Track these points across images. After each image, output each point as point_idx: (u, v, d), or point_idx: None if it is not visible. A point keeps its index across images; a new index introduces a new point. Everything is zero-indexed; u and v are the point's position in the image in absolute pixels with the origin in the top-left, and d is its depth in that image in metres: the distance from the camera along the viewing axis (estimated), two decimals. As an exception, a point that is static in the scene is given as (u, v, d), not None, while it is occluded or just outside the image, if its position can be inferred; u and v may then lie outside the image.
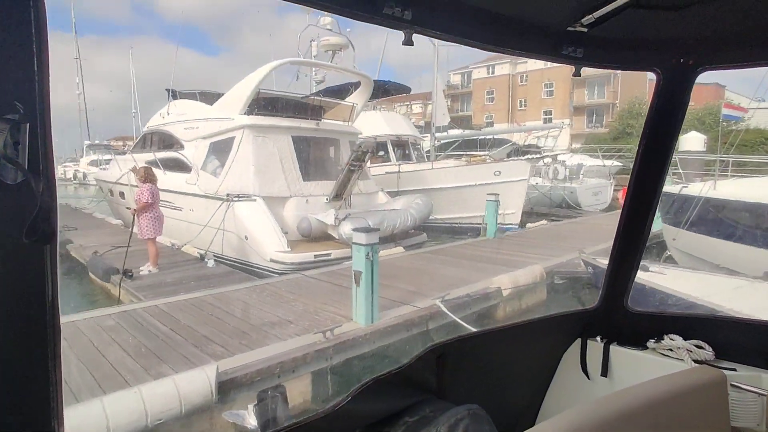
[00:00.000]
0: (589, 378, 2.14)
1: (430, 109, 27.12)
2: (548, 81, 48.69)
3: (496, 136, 26.24)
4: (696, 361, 1.88)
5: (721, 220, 8.75)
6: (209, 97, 13.43)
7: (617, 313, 2.18)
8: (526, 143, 24.25)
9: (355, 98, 13.86)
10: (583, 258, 8.28)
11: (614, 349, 2.11)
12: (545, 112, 47.91)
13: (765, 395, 1.73)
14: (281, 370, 5.22)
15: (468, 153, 22.72)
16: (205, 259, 9.43)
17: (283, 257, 9.56)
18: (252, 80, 11.17)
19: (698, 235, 9.19)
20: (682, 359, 1.90)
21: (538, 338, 2.19)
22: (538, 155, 16.87)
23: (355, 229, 6.68)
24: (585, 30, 1.49)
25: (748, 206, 8.51)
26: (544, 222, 15.82)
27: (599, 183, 20.21)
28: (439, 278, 8.71)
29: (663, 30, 1.64)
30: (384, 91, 19.76)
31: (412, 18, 1.28)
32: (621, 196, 17.71)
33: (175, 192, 11.79)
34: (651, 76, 1.93)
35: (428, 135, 23.83)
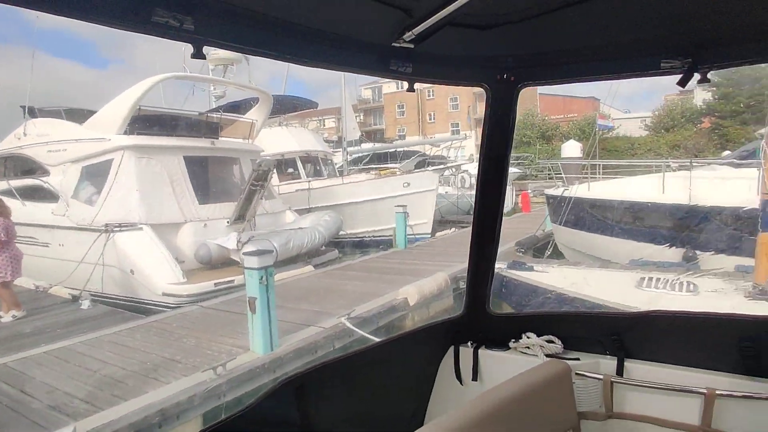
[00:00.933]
0: (462, 384, 2.19)
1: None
2: (453, 95, 51.25)
3: (405, 149, 26.87)
4: (548, 356, 2.03)
5: (593, 216, 9.68)
6: (78, 116, 11.88)
7: (481, 319, 2.25)
8: (434, 154, 25.11)
9: (254, 114, 13.35)
10: None
11: (482, 352, 2.18)
12: (453, 125, 50.23)
13: (602, 379, 1.91)
14: (162, 418, 4.63)
15: (379, 166, 22.99)
16: (80, 300, 8.33)
17: (178, 289, 8.75)
18: (130, 96, 10.22)
19: (576, 231, 10.09)
20: (536, 355, 2.05)
21: (412, 351, 2.18)
22: (443, 165, 17.43)
23: (246, 253, 6.25)
24: (411, 46, 1.50)
25: (615, 204, 9.56)
26: (453, 230, 16.31)
27: (502, 189, 21.33)
28: (348, 295, 8.51)
29: (485, 48, 1.76)
30: (289, 106, 19.43)
31: (195, 29, 1.15)
32: (521, 201, 18.93)
33: (39, 225, 10.36)
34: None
35: (341, 150, 23.76)
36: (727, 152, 18.37)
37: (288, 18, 1.33)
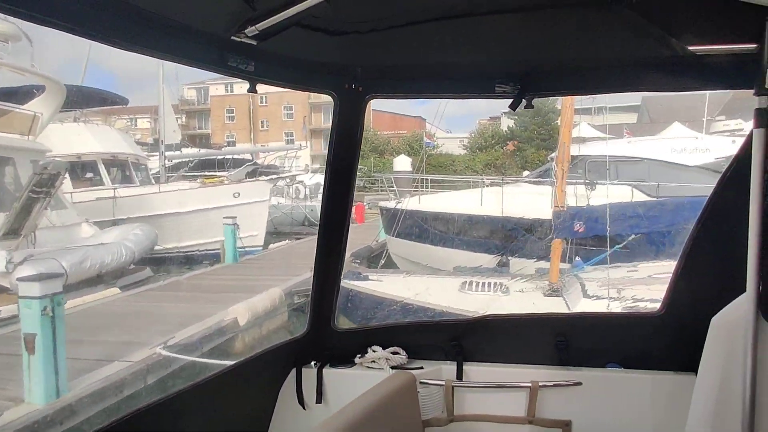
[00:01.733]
0: (305, 408, 2.11)
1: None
2: (288, 104, 51.05)
3: (235, 156, 25.66)
4: (393, 367, 2.05)
5: (423, 227, 10.71)
6: None
7: (326, 336, 2.19)
8: (268, 164, 24.55)
9: (38, 106, 11.14)
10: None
11: (327, 372, 2.12)
12: (287, 134, 49.91)
13: (444, 385, 2.01)
14: None
15: (205, 174, 21.55)
16: None
17: None
18: None
19: (408, 241, 11.02)
20: (382, 368, 2.06)
21: (248, 381, 2.03)
22: (277, 175, 17.22)
23: (23, 278, 5.11)
24: (254, 43, 1.44)
25: (442, 215, 10.71)
26: (287, 241, 16.19)
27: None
28: (167, 319, 7.68)
29: (334, 55, 1.77)
30: (90, 100, 16.85)
31: None
32: (355, 212, 19.71)
33: None
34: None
35: (157, 154, 21.58)
36: (526, 172, 22.07)
37: None
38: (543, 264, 8.84)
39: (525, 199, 10.07)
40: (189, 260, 14.26)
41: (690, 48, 1.51)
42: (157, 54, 1.40)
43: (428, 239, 10.77)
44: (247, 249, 13.44)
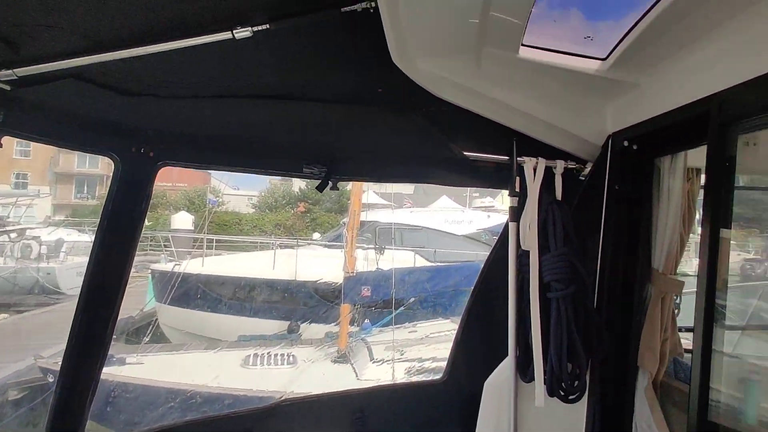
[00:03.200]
0: None
1: None
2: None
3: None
4: None
5: (206, 294, 10.01)
6: None
7: None
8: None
9: None
10: (40, 365, 6.99)
11: None
12: (18, 176, 41.29)
13: None
14: None
15: None
16: None
17: None
18: None
19: (185, 309, 10.04)
20: None
21: None
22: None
23: None
24: (7, 88, 1.32)
25: (228, 279, 10.27)
26: (5, 316, 12.95)
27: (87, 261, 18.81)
28: None
29: (121, 114, 1.69)
30: None
31: None
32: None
33: None
34: None
35: None
36: (317, 234, 22.80)
37: None
38: (334, 328, 9.00)
39: (319, 263, 10.29)
40: None
41: (465, 153, 1.96)
42: None
43: (210, 306, 9.98)
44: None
